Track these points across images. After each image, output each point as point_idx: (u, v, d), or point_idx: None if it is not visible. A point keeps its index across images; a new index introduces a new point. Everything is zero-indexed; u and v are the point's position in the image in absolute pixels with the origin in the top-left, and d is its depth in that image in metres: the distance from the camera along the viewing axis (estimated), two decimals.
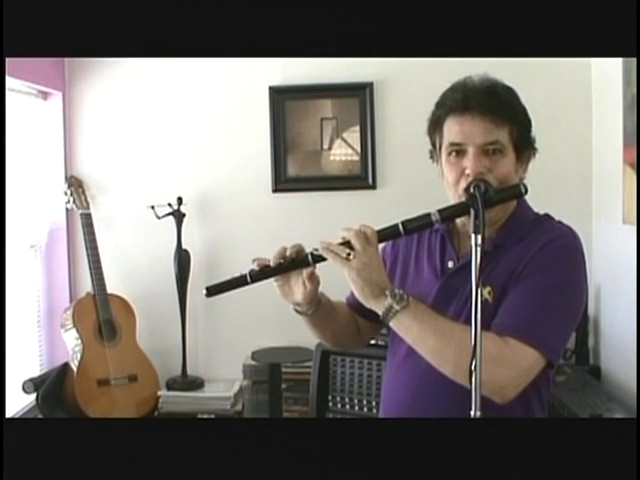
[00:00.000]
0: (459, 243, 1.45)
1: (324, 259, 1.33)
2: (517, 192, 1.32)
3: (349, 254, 1.29)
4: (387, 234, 1.35)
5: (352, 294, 1.40)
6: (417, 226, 1.34)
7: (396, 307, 1.29)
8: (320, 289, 1.45)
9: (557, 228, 1.41)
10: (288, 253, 1.37)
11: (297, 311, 1.48)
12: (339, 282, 1.36)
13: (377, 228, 1.34)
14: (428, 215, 1.32)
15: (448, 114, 1.38)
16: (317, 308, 1.46)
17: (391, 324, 1.32)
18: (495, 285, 1.34)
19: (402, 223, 1.33)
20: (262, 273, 1.38)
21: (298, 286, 1.41)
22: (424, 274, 1.47)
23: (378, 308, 1.32)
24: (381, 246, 1.45)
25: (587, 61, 3.06)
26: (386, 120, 3.21)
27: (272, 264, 1.37)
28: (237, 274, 1.39)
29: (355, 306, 1.50)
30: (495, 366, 1.23)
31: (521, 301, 1.31)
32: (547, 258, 1.32)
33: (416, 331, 1.31)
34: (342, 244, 1.32)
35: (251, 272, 1.38)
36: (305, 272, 1.40)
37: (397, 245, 1.55)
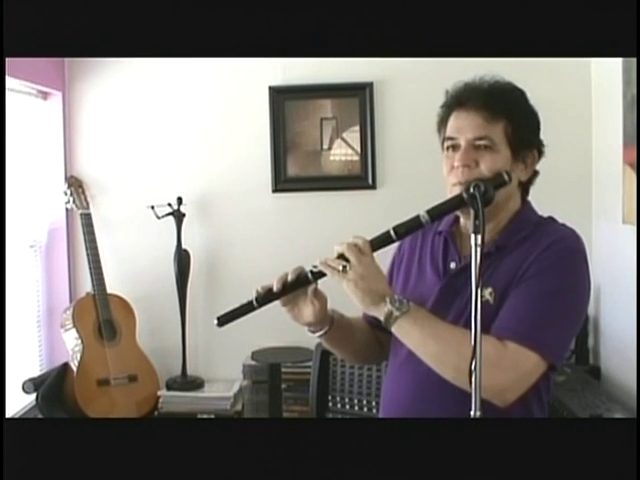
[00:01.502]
0: (462, 244, 1.45)
1: (323, 275, 1.35)
2: (500, 180, 1.32)
3: (345, 267, 1.30)
4: (380, 241, 1.35)
5: None
6: (408, 229, 1.35)
7: (396, 313, 1.30)
8: (335, 307, 1.48)
9: (560, 230, 1.40)
10: (289, 278, 1.39)
11: (312, 332, 1.49)
12: (346, 295, 1.36)
13: (370, 237, 1.35)
14: (417, 217, 1.33)
15: (451, 111, 1.41)
16: (330, 326, 1.48)
17: (392, 330, 1.33)
18: (496, 286, 1.34)
19: (393, 228, 1.34)
20: (267, 297, 1.40)
21: (307, 306, 1.43)
22: (427, 275, 1.47)
23: (379, 315, 1.33)
24: (392, 249, 1.46)
25: (587, 61, 3.06)
26: (386, 120, 3.21)
27: (275, 289, 1.39)
28: (244, 301, 1.42)
29: (371, 320, 1.51)
30: (495, 370, 1.23)
31: (522, 304, 1.31)
32: (549, 261, 1.32)
33: (416, 336, 1.31)
34: (337, 258, 1.33)
35: (257, 297, 1.40)
36: (310, 291, 1.41)
37: (403, 247, 1.57)
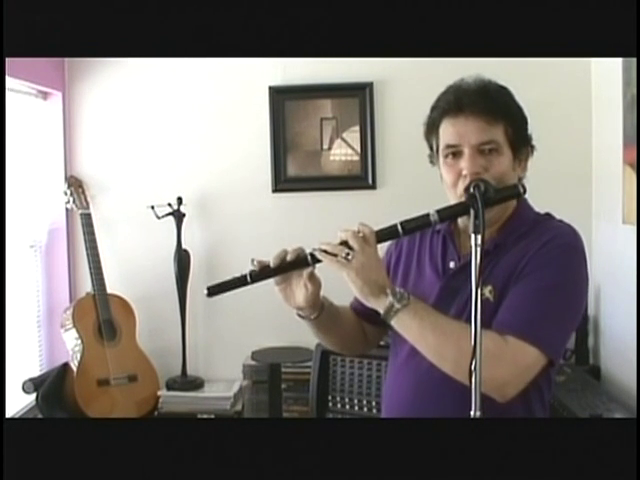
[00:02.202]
0: (460, 243, 1.45)
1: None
2: (515, 192, 1.32)
3: (348, 254, 1.29)
4: (385, 234, 1.35)
5: (356, 298, 1.40)
6: (416, 226, 1.35)
7: (397, 305, 1.29)
8: (324, 294, 1.45)
9: (558, 227, 1.41)
10: (289, 258, 1.37)
11: (300, 316, 1.48)
12: (343, 286, 1.35)
13: (376, 228, 1.34)
14: (427, 216, 1.32)
15: (442, 117, 1.39)
16: (320, 312, 1.46)
17: (392, 323, 1.32)
18: (496, 284, 1.34)
19: (401, 223, 1.33)
20: (262, 273, 1.38)
21: (300, 289, 1.41)
22: (426, 274, 1.47)
23: (379, 307, 1.32)
24: (385, 245, 1.45)
25: (587, 61, 3.06)
26: (386, 120, 3.21)
27: (272, 265, 1.37)
28: (238, 274, 1.39)
29: (360, 310, 1.50)
30: (495, 364, 1.23)
31: (521, 299, 1.31)
32: (547, 257, 1.33)
33: (416, 329, 1.31)
34: (340, 245, 1.32)
35: (251, 272, 1.38)
36: (305, 273, 1.40)
37: (400, 245, 1.56)
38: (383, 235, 1.35)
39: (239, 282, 1.39)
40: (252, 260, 1.39)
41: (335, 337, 1.57)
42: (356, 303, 1.50)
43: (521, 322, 1.29)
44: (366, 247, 1.30)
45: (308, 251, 1.37)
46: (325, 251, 1.32)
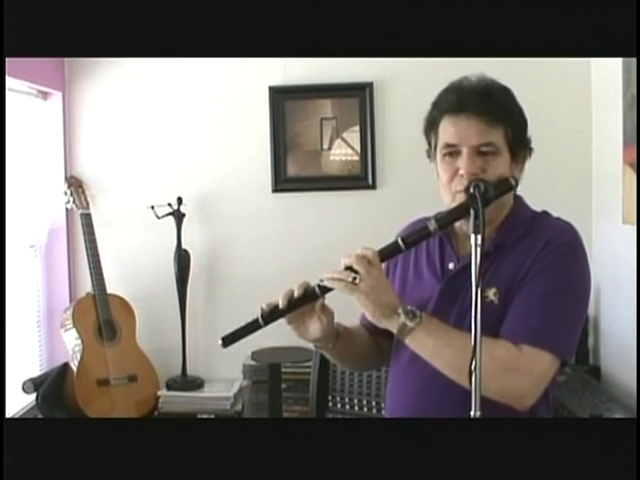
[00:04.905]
0: (458, 244, 1.44)
1: (331, 289, 1.33)
2: (508, 187, 1.32)
3: (354, 278, 1.29)
4: (388, 252, 1.34)
5: (364, 315, 1.39)
6: (417, 239, 1.35)
7: (410, 325, 1.30)
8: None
9: (556, 225, 1.40)
10: (297, 294, 1.36)
11: (317, 347, 1.47)
12: (350, 308, 1.36)
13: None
14: (426, 227, 1.32)
15: (443, 115, 1.38)
16: (336, 340, 1.46)
17: (406, 341, 1.32)
18: (500, 286, 1.34)
19: (402, 239, 1.33)
20: (273, 314, 1.37)
21: (314, 323, 1.40)
22: (424, 277, 1.46)
23: (392, 327, 1.32)
24: None
25: (587, 61, 3.06)
26: (386, 120, 3.21)
27: (281, 305, 1.36)
28: (249, 320, 1.38)
29: (370, 327, 1.49)
30: (513, 375, 1.25)
31: (529, 306, 1.31)
32: (550, 259, 1.32)
33: (431, 347, 1.31)
34: (346, 270, 1.31)
35: (263, 315, 1.37)
36: (317, 306, 1.39)
37: None
38: (386, 253, 1.34)
39: (252, 327, 1.37)
40: (261, 307, 1.37)
41: (353, 359, 1.57)
42: (365, 320, 1.49)
43: (533, 329, 1.28)
44: (372, 269, 1.30)
45: (314, 283, 1.36)
46: (332, 278, 1.31)
